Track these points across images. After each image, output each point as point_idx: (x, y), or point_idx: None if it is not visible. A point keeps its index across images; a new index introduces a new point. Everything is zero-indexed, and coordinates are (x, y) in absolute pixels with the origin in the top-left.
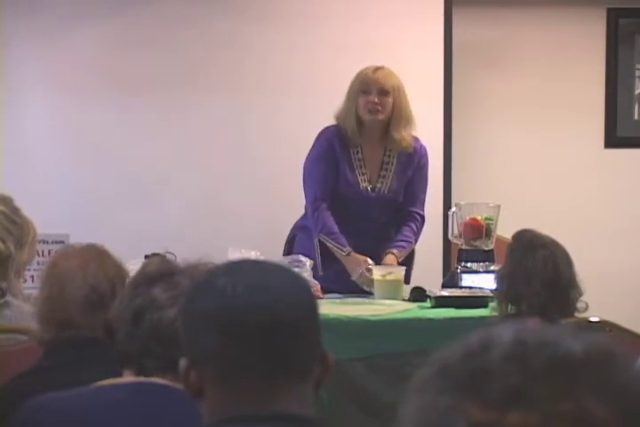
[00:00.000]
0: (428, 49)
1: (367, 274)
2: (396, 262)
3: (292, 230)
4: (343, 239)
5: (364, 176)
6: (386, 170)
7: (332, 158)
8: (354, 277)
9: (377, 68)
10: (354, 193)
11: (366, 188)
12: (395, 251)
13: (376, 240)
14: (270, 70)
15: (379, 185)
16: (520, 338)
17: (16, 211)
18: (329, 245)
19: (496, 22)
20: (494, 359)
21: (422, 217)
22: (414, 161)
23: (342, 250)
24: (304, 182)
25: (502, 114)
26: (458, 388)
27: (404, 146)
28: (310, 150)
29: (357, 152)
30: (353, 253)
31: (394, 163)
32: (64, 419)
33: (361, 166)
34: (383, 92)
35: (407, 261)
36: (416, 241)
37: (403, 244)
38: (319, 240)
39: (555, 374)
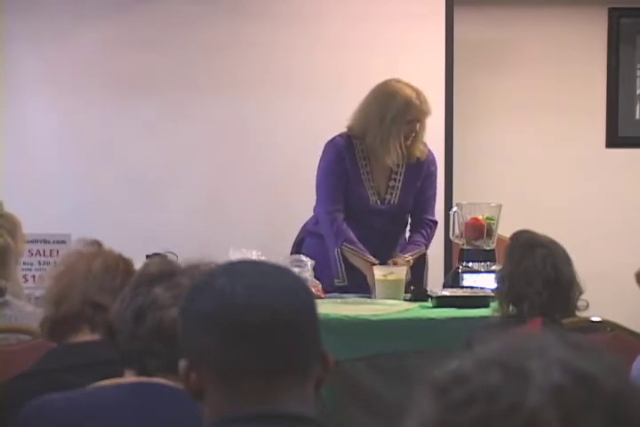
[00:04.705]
0: (430, 49)
1: None
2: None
3: (300, 232)
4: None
5: (372, 189)
6: (394, 180)
7: (343, 170)
8: (371, 284)
9: (416, 93)
10: (363, 206)
11: (375, 201)
12: (402, 253)
13: (384, 250)
14: (270, 70)
15: (387, 197)
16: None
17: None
18: (355, 253)
19: (497, 22)
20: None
21: (434, 223)
22: (423, 169)
23: (370, 260)
24: (317, 192)
25: (503, 114)
26: None
27: (420, 156)
28: (320, 160)
29: (366, 165)
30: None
31: (402, 173)
32: (65, 419)
33: (369, 180)
34: (420, 120)
35: (419, 267)
36: (427, 245)
37: (411, 246)
38: (340, 250)
39: None
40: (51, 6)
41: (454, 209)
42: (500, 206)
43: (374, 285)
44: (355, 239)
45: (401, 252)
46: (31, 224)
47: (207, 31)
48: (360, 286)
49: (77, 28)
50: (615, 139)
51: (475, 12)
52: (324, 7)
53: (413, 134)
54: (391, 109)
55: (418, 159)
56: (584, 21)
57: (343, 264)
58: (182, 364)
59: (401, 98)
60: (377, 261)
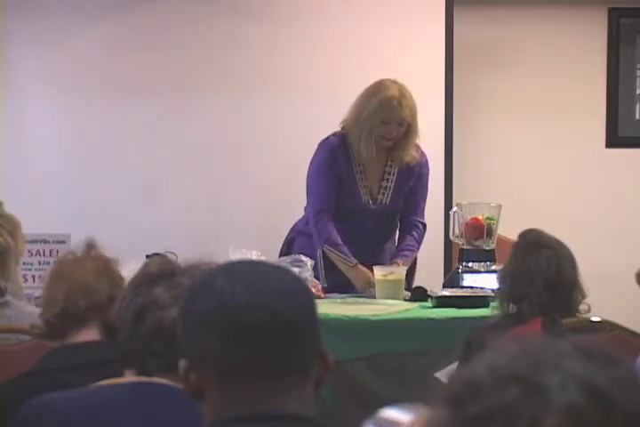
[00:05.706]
0: (430, 49)
1: (371, 289)
2: None
3: (290, 232)
4: (348, 251)
5: (365, 189)
6: (387, 180)
7: (335, 170)
8: (358, 287)
9: (400, 96)
10: (355, 206)
11: (367, 200)
12: (399, 260)
13: (374, 250)
14: (270, 70)
15: (380, 197)
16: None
17: None
18: (335, 255)
19: (497, 22)
20: None
21: (424, 225)
22: (415, 170)
23: (349, 261)
24: (307, 192)
25: (503, 114)
26: None
27: (410, 161)
28: (313, 160)
29: (359, 164)
30: (359, 265)
31: (395, 173)
32: (64, 419)
33: (362, 179)
34: (401, 124)
35: (410, 268)
36: (418, 249)
37: (406, 253)
38: (322, 251)
39: None
40: (51, 6)
41: (454, 209)
42: (499, 206)
43: (364, 286)
44: (338, 241)
45: (396, 256)
46: (31, 224)
47: (207, 31)
48: (340, 287)
49: (77, 28)
50: (615, 139)
51: (475, 12)
52: (324, 7)
53: (394, 137)
54: (368, 107)
55: (407, 164)
56: (584, 21)
57: (324, 265)
58: (182, 364)
59: (381, 97)
60: (356, 262)
